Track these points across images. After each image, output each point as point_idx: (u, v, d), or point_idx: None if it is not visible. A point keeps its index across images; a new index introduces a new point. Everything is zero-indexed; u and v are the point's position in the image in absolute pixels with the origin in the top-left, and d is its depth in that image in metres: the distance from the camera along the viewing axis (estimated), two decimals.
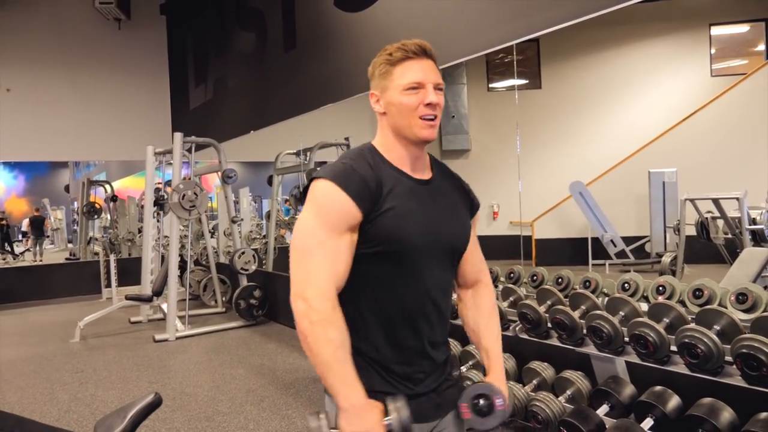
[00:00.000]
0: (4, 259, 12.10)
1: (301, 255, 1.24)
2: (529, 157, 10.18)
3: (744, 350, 2.25)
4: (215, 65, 8.17)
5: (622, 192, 9.41)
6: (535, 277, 3.82)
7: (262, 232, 10.46)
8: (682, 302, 3.10)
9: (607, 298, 3.16)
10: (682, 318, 2.65)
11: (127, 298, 6.32)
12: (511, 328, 3.26)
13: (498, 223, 10.63)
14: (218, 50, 8.06)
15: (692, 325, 2.50)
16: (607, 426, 2.67)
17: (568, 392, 3.02)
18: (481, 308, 1.50)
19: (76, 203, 13.90)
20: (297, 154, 7.67)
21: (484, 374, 1.47)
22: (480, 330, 1.48)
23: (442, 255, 1.35)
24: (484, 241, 1.57)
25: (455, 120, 11.34)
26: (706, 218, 6.79)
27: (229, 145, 7.45)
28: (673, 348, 2.53)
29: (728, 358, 2.36)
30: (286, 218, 9.81)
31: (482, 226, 1.56)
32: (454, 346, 3.67)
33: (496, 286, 3.73)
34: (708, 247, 7.06)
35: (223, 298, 7.59)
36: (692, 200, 6.73)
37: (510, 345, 3.46)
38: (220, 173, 7.08)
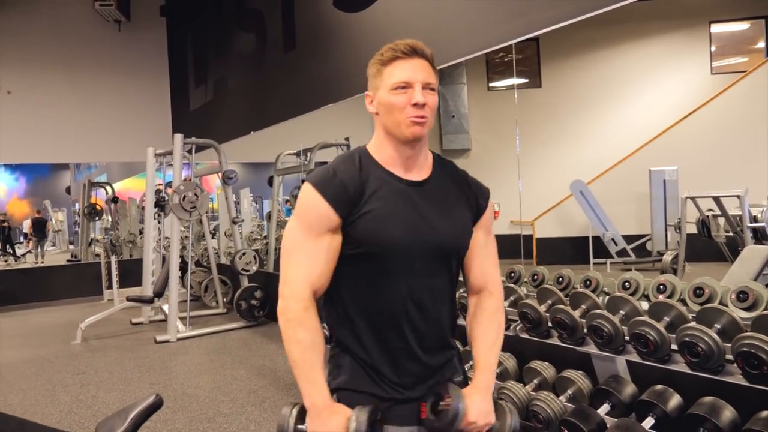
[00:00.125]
0: (5, 261, 12.12)
1: (283, 256, 1.32)
2: (529, 156, 10.17)
3: (745, 349, 2.25)
4: (215, 66, 8.18)
5: (622, 190, 9.39)
6: (535, 277, 3.81)
7: (263, 232, 10.47)
8: (682, 301, 3.09)
9: (607, 297, 3.16)
10: (682, 317, 2.65)
11: (129, 299, 6.32)
12: (511, 327, 3.26)
13: (499, 223, 10.53)
14: (218, 51, 8.06)
15: (693, 324, 2.49)
16: (608, 425, 2.67)
17: (569, 391, 3.02)
18: (479, 316, 1.43)
19: (77, 205, 13.92)
20: (297, 154, 7.67)
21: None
22: (474, 338, 1.42)
23: (430, 257, 1.32)
24: None
25: (455, 119, 11.33)
26: (707, 216, 6.79)
27: (230, 146, 7.46)
28: (674, 347, 2.52)
29: (729, 357, 2.36)
30: (287, 219, 9.80)
31: None
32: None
33: None
34: (709, 245, 7.05)
35: (224, 299, 7.60)
36: (693, 198, 6.72)
37: (511, 344, 3.46)
38: (220, 174, 7.08)
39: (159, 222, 7.20)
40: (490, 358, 1.37)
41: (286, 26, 6.21)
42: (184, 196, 6.24)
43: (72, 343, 6.05)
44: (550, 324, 3.05)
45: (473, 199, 1.41)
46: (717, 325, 2.51)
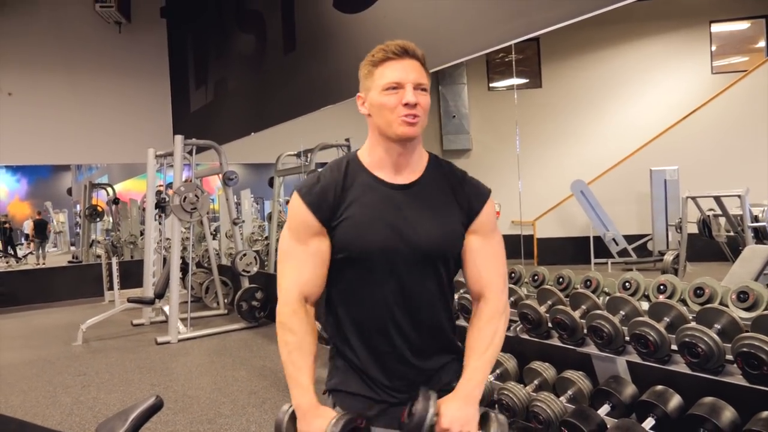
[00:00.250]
0: (7, 263, 12.13)
1: (278, 262, 1.39)
2: (530, 156, 10.16)
3: (744, 349, 2.25)
4: (215, 67, 8.18)
5: (623, 190, 9.38)
6: (535, 277, 3.82)
7: (264, 233, 10.47)
8: (683, 301, 3.09)
9: (607, 298, 3.16)
10: (682, 317, 2.65)
11: (130, 300, 6.33)
12: (512, 328, 3.26)
13: (499, 223, 10.34)
14: (218, 52, 8.07)
15: (693, 324, 2.49)
16: (608, 426, 2.67)
17: (570, 392, 3.02)
18: (473, 323, 1.39)
19: (78, 206, 13.92)
20: (298, 155, 7.67)
21: None
22: (467, 346, 1.38)
23: (413, 261, 1.30)
24: None
25: (456, 120, 11.33)
26: (708, 216, 6.78)
27: (230, 147, 7.46)
28: (674, 347, 2.52)
29: (729, 357, 2.36)
30: None
31: None
32: None
33: None
34: (710, 245, 7.04)
35: (225, 300, 7.60)
36: (694, 198, 6.71)
37: (511, 345, 3.46)
38: (221, 175, 7.09)
39: (160, 223, 7.20)
40: (478, 366, 1.32)
41: (286, 27, 6.21)
42: (185, 198, 6.24)
43: (73, 345, 6.05)
44: (550, 324, 3.05)
45: (465, 201, 1.36)
46: (717, 326, 2.51)
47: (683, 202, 6.86)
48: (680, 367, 2.52)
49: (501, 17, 3.64)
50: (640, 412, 2.66)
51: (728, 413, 2.40)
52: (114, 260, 8.12)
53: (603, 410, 2.78)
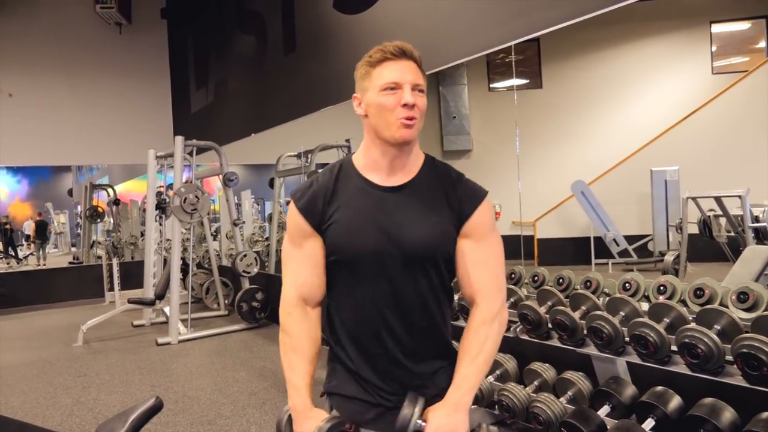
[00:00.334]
0: (7, 264, 12.14)
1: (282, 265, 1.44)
2: (530, 156, 10.16)
3: (744, 350, 2.25)
4: (216, 68, 8.19)
5: (624, 191, 9.38)
6: (536, 278, 3.81)
7: (265, 234, 10.47)
8: (683, 302, 3.09)
9: (607, 299, 3.16)
10: (682, 318, 2.65)
11: (130, 301, 6.33)
12: (512, 329, 3.26)
13: (500, 224, 10.55)
14: (219, 53, 8.08)
15: (692, 325, 2.49)
16: (608, 427, 2.67)
17: (569, 393, 3.02)
18: (466, 329, 1.35)
19: (79, 207, 13.93)
20: (298, 156, 7.67)
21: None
22: (459, 352, 1.35)
23: (402, 263, 1.29)
24: None
25: (456, 120, 11.32)
26: (709, 216, 6.78)
27: (231, 148, 7.46)
28: (674, 348, 2.52)
29: (729, 358, 2.36)
30: None
31: None
32: None
33: None
34: (711, 246, 7.04)
35: (226, 301, 7.61)
36: (694, 198, 6.71)
37: (511, 346, 3.46)
38: (221, 176, 7.09)
39: (160, 224, 7.21)
40: (467, 374, 1.29)
41: (286, 28, 6.22)
42: (185, 198, 6.25)
43: (73, 346, 6.06)
44: (550, 325, 3.05)
45: (457, 203, 1.33)
46: (717, 326, 2.51)
47: (684, 203, 6.86)
48: (680, 367, 2.52)
49: (501, 18, 3.64)
50: (640, 413, 2.66)
51: (728, 414, 2.40)
52: (114, 261, 8.13)
53: (603, 411, 2.78)
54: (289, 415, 1.34)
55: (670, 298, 3.12)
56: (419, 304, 1.32)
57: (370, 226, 1.30)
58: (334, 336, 1.39)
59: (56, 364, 5.36)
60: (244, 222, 8.87)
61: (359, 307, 1.33)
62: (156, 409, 1.49)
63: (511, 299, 3.46)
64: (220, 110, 8.09)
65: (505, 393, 3.15)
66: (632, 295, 3.28)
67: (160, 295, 6.14)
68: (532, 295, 3.59)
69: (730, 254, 6.65)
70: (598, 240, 8.83)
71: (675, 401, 2.61)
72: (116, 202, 11.60)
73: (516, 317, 3.23)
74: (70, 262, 11.66)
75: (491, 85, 11.51)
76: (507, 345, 3.51)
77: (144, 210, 8.90)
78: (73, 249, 14.31)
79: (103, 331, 6.51)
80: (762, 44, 10.37)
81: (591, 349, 2.89)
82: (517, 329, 3.25)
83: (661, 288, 3.21)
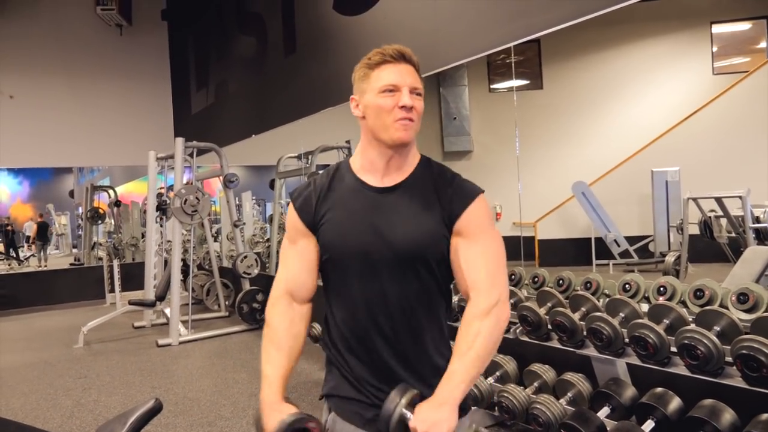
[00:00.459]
0: (9, 265, 12.15)
1: None
2: (531, 157, 10.15)
3: (744, 351, 2.24)
4: (216, 70, 8.20)
5: (624, 191, 9.37)
6: (536, 279, 3.82)
7: (266, 235, 10.48)
8: (683, 303, 3.09)
9: (607, 300, 3.16)
10: (682, 319, 2.64)
11: (131, 302, 6.33)
12: (511, 330, 3.25)
13: (501, 225, 10.59)
14: (219, 55, 8.08)
15: (692, 326, 2.49)
16: (608, 428, 2.66)
17: (569, 394, 3.02)
18: (459, 328, 1.31)
19: (80, 208, 13.96)
20: (298, 157, 7.67)
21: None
22: (453, 348, 1.31)
23: (394, 263, 1.29)
24: None
25: (457, 122, 11.32)
26: (710, 217, 6.77)
27: (232, 149, 7.47)
28: (674, 349, 2.52)
29: (729, 359, 2.35)
30: None
31: None
32: None
33: None
34: (712, 246, 7.03)
35: (226, 302, 7.61)
36: (695, 199, 6.70)
37: (511, 347, 3.46)
38: (221, 177, 7.09)
39: (161, 225, 7.21)
40: (456, 369, 1.24)
41: (286, 30, 6.22)
42: (186, 200, 6.25)
43: (74, 347, 6.06)
44: (550, 326, 3.05)
45: (447, 202, 1.31)
46: (716, 328, 2.51)
47: (684, 203, 6.85)
48: (680, 369, 2.51)
49: (501, 19, 3.63)
50: (640, 415, 2.65)
51: (728, 415, 2.39)
52: (115, 262, 8.14)
53: (603, 412, 2.78)
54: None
55: (670, 299, 3.11)
56: (410, 305, 1.32)
57: (362, 226, 1.31)
58: (331, 337, 1.40)
59: (57, 366, 5.36)
60: (244, 223, 8.88)
61: (352, 307, 1.34)
62: (155, 410, 1.49)
63: (511, 300, 3.46)
64: (220, 111, 8.10)
65: (505, 394, 3.15)
66: (632, 297, 3.28)
67: (161, 297, 6.14)
68: (532, 296, 3.58)
69: (731, 255, 6.64)
70: (599, 241, 8.82)
71: (675, 403, 2.61)
72: (117, 203, 11.62)
73: (516, 318, 3.23)
74: (71, 264, 11.67)
75: (492, 86, 11.50)
76: (507, 346, 3.51)
77: (145, 211, 8.90)
78: (74, 250, 14.33)
79: (103, 332, 6.51)
80: (763, 44, 10.36)
81: (591, 351, 2.89)
82: (517, 330, 3.25)
83: (661, 289, 3.21)
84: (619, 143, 9.87)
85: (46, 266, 12.53)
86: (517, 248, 6.34)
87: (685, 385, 2.62)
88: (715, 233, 6.78)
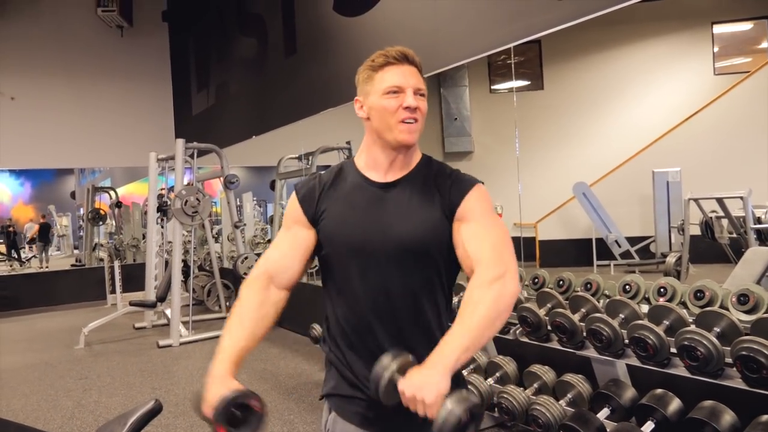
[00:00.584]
0: (10, 266, 12.18)
1: None
2: (532, 158, 10.15)
3: (744, 352, 2.24)
4: (217, 71, 8.20)
5: (625, 192, 9.37)
6: (536, 280, 3.81)
7: (266, 236, 10.49)
8: (683, 304, 3.09)
9: (607, 301, 3.15)
10: (682, 320, 2.64)
11: (132, 303, 6.34)
12: (511, 331, 3.25)
13: None
14: (220, 56, 8.09)
15: (692, 328, 2.49)
16: (607, 429, 2.66)
17: (569, 395, 3.01)
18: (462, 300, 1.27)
19: (81, 210, 13.98)
20: (299, 158, 7.68)
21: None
22: None
23: (394, 256, 1.29)
24: None
25: (458, 122, 11.32)
26: (711, 218, 6.76)
27: (232, 150, 7.47)
28: (674, 350, 2.51)
29: (729, 360, 2.35)
30: None
31: None
32: None
33: None
34: (713, 247, 7.03)
35: (227, 303, 7.61)
36: (696, 200, 6.70)
37: (511, 348, 3.46)
38: (222, 178, 7.10)
39: (162, 226, 7.22)
40: (452, 332, 1.19)
41: (286, 31, 6.23)
42: (186, 201, 6.25)
43: (75, 348, 6.06)
44: (549, 328, 3.04)
45: (447, 193, 1.32)
46: (716, 329, 2.50)
47: (686, 204, 6.85)
48: (680, 370, 2.51)
49: (502, 19, 3.63)
50: (640, 416, 2.65)
51: (728, 417, 2.39)
52: (116, 263, 8.15)
53: (602, 414, 2.77)
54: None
55: (670, 300, 3.11)
56: (412, 299, 1.31)
57: (363, 221, 1.32)
58: (331, 335, 1.39)
59: (58, 367, 5.37)
60: (245, 224, 8.89)
61: (353, 302, 1.33)
62: (155, 411, 1.49)
63: None
64: (221, 113, 8.11)
65: (505, 395, 3.15)
66: (632, 297, 3.27)
67: (162, 298, 6.15)
68: (532, 297, 3.58)
69: (732, 255, 6.63)
70: (600, 241, 8.82)
71: (675, 404, 2.60)
72: (118, 204, 11.64)
73: (516, 319, 3.22)
74: (72, 265, 11.70)
75: (492, 87, 11.50)
76: (507, 347, 3.51)
77: (146, 212, 8.92)
78: (76, 251, 14.35)
79: (104, 333, 6.52)
80: (764, 45, 10.36)
81: (591, 352, 2.89)
82: (517, 331, 3.25)
83: (662, 290, 3.21)
84: (620, 144, 9.87)
85: (47, 267, 12.54)
86: (518, 249, 6.33)
87: (685, 386, 2.61)
88: (717, 234, 6.77)
